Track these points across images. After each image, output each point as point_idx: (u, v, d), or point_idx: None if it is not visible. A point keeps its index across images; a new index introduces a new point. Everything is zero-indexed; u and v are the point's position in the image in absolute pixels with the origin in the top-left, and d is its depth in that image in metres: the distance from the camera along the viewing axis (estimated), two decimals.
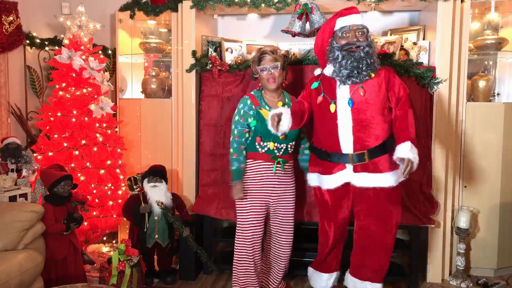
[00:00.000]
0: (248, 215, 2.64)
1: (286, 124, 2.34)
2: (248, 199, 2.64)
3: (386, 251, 2.51)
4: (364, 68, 2.35)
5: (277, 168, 2.63)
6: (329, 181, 2.50)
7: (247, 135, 2.61)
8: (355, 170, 2.43)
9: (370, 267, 2.54)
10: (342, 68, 2.37)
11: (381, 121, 2.40)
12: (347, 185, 2.49)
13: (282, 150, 2.62)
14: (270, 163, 2.61)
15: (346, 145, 2.42)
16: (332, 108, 2.42)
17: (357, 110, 2.39)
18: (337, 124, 2.42)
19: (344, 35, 2.39)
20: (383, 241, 2.48)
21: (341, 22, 2.42)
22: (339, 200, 2.54)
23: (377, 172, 2.40)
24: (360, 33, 2.38)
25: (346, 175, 2.46)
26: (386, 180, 2.39)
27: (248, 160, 2.64)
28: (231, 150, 2.61)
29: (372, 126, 2.39)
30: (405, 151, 2.28)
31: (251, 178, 2.64)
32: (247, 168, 2.64)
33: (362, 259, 2.56)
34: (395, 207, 2.46)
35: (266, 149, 2.60)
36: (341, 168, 2.46)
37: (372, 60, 2.36)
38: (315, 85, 2.54)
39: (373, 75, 2.39)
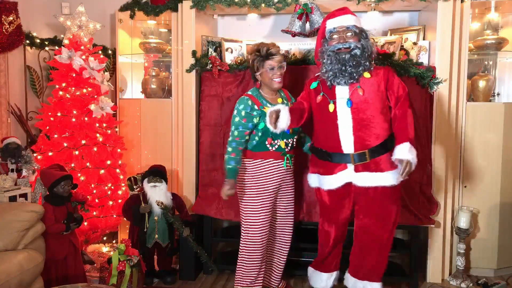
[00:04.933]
0: (259, 215, 2.62)
1: (284, 121, 2.36)
2: (259, 200, 2.62)
3: (383, 249, 2.51)
4: (350, 70, 2.35)
5: (287, 164, 2.65)
6: (331, 182, 2.50)
7: (247, 137, 2.60)
8: (356, 170, 2.43)
9: (368, 266, 2.54)
10: (328, 70, 2.40)
11: (381, 120, 2.40)
12: (348, 185, 2.48)
13: (290, 145, 2.64)
14: (280, 160, 2.62)
15: (347, 145, 2.42)
16: (331, 107, 2.43)
17: (357, 109, 2.39)
18: (337, 124, 2.42)
19: (332, 37, 2.41)
20: (381, 240, 2.49)
21: (330, 24, 2.43)
22: (340, 200, 2.54)
23: (378, 171, 2.40)
24: (349, 34, 2.37)
25: (347, 175, 2.46)
26: (387, 179, 2.39)
27: (256, 161, 2.62)
28: (229, 149, 2.59)
29: (372, 125, 2.39)
30: (404, 152, 2.28)
31: (262, 179, 2.62)
32: (257, 169, 2.62)
33: (361, 258, 2.56)
34: (394, 206, 2.46)
35: (276, 147, 2.60)
36: (342, 168, 2.46)
37: (363, 61, 2.36)
38: (314, 85, 2.54)
39: (368, 75, 2.39)
